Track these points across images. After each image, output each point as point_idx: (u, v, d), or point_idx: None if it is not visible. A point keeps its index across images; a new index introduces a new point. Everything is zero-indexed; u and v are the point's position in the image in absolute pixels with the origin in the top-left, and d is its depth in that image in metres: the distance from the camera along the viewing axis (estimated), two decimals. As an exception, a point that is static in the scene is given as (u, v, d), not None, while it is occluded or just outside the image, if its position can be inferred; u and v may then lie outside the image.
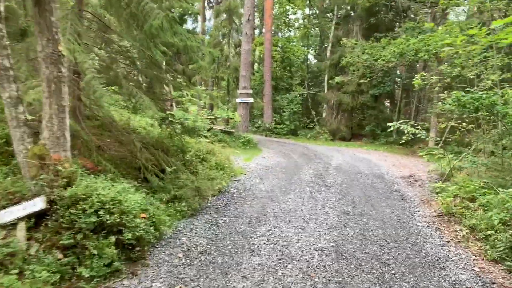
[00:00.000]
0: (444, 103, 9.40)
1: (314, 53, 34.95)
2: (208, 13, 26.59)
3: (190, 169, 7.41)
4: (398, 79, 23.76)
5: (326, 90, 27.34)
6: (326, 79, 27.33)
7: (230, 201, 7.04)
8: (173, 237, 5.14)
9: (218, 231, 5.44)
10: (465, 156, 9.64)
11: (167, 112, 7.88)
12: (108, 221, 4.19)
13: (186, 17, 23.41)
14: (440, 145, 18.79)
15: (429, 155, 17.98)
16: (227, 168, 8.87)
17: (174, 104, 16.08)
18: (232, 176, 9.09)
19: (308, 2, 27.99)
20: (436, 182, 10.18)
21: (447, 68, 12.04)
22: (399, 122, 9.45)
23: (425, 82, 11.07)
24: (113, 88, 7.57)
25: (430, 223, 6.25)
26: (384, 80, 23.01)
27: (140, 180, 6.51)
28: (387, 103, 27.03)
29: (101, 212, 4.20)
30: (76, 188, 4.30)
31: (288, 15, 27.56)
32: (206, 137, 12.58)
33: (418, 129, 9.20)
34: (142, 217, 4.76)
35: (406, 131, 9.17)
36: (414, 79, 23.51)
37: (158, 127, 9.03)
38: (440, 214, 6.77)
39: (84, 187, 4.37)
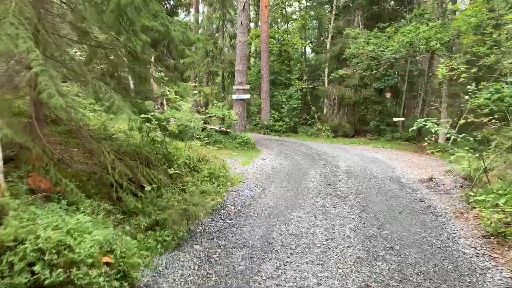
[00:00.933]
0: (473, 97, 8.10)
1: (312, 46, 33.55)
2: (202, 6, 25.15)
3: (177, 183, 6.09)
4: (403, 71, 22.42)
5: (326, 84, 26.02)
6: (326, 72, 26.00)
7: (226, 222, 5.72)
8: (150, 284, 3.83)
9: (211, 271, 4.13)
10: (500, 155, 8.34)
11: (149, 114, 6.53)
12: (48, 280, 2.87)
13: (178, 10, 21.97)
14: (451, 141, 17.66)
15: (440, 153, 16.78)
16: (222, 178, 7.55)
17: (164, 103, 14.73)
18: (228, 187, 7.78)
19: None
20: (462, 187, 8.92)
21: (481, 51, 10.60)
22: (423, 120, 8.09)
23: (451, 73, 9.73)
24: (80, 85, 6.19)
25: (478, 249, 4.97)
26: (388, 72, 21.70)
27: (113, 201, 5.20)
28: (388, 95, 25.66)
29: (37, 267, 2.88)
30: (2, 231, 2.98)
31: (285, 6, 26.12)
32: (199, 139, 11.27)
33: (445, 128, 7.85)
34: (105, 263, 3.44)
35: (433, 131, 7.83)
36: (417, 71, 22.27)
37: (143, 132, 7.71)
38: (486, 234, 5.49)
39: (16, 228, 3.04)
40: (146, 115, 6.37)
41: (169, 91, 7.56)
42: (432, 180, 9.91)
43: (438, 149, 17.00)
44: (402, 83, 23.13)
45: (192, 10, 22.13)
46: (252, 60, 30.17)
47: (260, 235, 5.13)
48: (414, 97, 25.19)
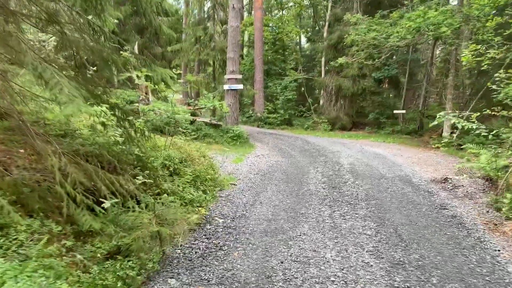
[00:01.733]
0: (502, 87, 6.96)
1: (307, 36, 32.25)
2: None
3: (153, 191, 4.89)
4: (403, 61, 21.27)
5: (323, 75, 24.83)
6: (323, 62, 24.78)
7: (212, 242, 4.55)
8: None
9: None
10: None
11: (113, 102, 5.28)
12: None
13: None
14: (456, 135, 16.63)
15: (446, 148, 15.74)
16: (209, 182, 6.36)
17: (150, 94, 13.47)
18: (217, 191, 6.60)
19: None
20: (485, 190, 7.84)
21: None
22: (448, 113, 6.95)
23: (479, 58, 8.56)
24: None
25: (535, 279, 3.86)
26: (389, 62, 20.56)
27: (64, 219, 4.01)
28: (385, 86, 24.50)
29: None
30: None
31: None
32: (185, 133, 10.08)
33: (474, 122, 6.70)
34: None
35: (460, 126, 6.68)
36: (419, 60, 21.14)
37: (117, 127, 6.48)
38: (537, 256, 4.40)
39: None
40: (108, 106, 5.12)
41: (137, 76, 6.25)
42: (447, 180, 8.82)
43: (443, 144, 16.04)
44: (401, 74, 22.03)
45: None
46: (245, 49, 28.85)
47: (255, 263, 3.96)
48: (414, 88, 24.15)
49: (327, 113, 23.17)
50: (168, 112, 12.07)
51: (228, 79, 14.22)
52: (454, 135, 16.17)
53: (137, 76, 6.00)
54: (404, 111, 20.68)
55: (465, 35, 14.51)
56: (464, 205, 6.70)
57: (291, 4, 25.77)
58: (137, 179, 4.55)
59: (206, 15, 16.67)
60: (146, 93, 13.43)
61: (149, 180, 4.73)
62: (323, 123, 21.76)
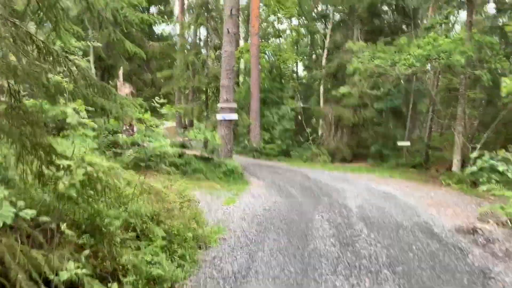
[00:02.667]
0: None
1: (305, 64, 31.55)
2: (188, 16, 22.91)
3: (106, 266, 3.51)
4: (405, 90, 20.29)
5: (322, 104, 23.83)
6: (321, 90, 23.86)
7: None
8: None
9: None
10: None
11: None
12: None
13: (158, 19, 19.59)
14: (468, 170, 15.42)
15: (459, 185, 14.47)
16: (190, 242, 4.96)
17: (134, 123, 12.22)
18: (200, 253, 5.20)
19: (298, 7, 24.59)
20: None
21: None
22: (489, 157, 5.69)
23: None
24: None
25: None
26: (391, 91, 19.56)
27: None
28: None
29: None
30: None
31: (278, 19, 24.09)
32: (170, 169, 8.76)
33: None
34: None
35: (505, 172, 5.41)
36: (423, 89, 20.16)
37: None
38: None
39: None
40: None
41: (74, 111, 4.94)
42: (476, 231, 7.48)
43: (455, 180, 14.78)
44: (403, 104, 21.01)
45: (177, 16, 19.77)
46: (241, 77, 27.97)
47: None
48: (416, 119, 23.16)
49: (326, 144, 22.00)
50: (153, 144, 10.82)
51: (222, 108, 13.04)
52: (466, 170, 14.96)
53: (75, 111, 4.66)
54: (408, 143, 19.53)
55: (474, 63, 13.59)
56: (509, 269, 5.35)
57: (288, 32, 25.06)
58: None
59: (199, 40, 15.71)
60: (130, 124, 12.19)
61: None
62: (323, 155, 20.53)
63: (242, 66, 29.79)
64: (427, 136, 19.45)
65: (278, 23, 24.29)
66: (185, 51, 14.71)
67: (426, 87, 20.60)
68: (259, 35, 21.08)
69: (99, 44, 11.65)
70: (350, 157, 21.96)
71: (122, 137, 10.97)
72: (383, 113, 20.84)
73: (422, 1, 19.17)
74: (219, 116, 13.01)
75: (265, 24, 30.12)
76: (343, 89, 14.68)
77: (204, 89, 14.46)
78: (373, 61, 14.26)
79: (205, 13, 14.67)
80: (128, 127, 11.96)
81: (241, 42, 27.15)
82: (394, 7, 20.33)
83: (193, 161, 11.77)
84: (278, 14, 23.05)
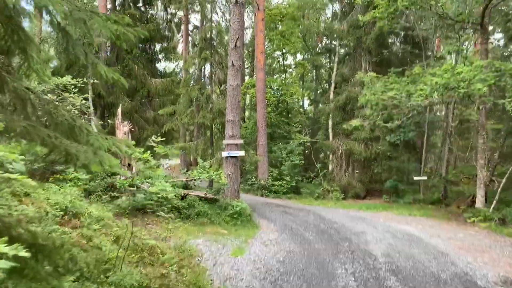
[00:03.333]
0: None
1: (311, 98, 31.07)
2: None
3: None
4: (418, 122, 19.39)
5: (331, 138, 22.99)
6: (330, 124, 23.08)
7: None
8: None
9: None
10: None
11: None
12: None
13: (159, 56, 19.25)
14: (493, 206, 14.28)
15: (487, 223, 13.32)
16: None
17: (134, 165, 11.42)
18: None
19: (303, 42, 24.41)
20: None
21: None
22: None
23: None
24: None
25: None
26: (404, 124, 18.68)
27: None
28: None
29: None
30: None
31: (283, 54, 23.79)
32: (167, 220, 7.77)
33: None
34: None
35: None
36: (437, 121, 19.33)
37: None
38: None
39: None
40: None
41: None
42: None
43: (481, 218, 13.61)
44: (418, 136, 20.06)
45: (181, 52, 19.47)
46: (247, 112, 27.43)
47: None
48: (431, 152, 22.17)
49: (337, 179, 20.94)
50: (153, 188, 9.94)
51: (227, 144, 12.20)
52: (491, 207, 13.82)
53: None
54: (425, 178, 18.44)
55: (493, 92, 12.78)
56: None
57: (293, 66, 24.69)
58: None
59: (203, 76, 15.18)
60: (129, 164, 11.35)
61: None
62: (335, 191, 19.45)
63: (248, 101, 29.39)
64: (444, 169, 18.37)
65: (283, 59, 23.91)
66: (189, 86, 14.14)
67: (440, 118, 19.80)
68: (264, 70, 20.62)
69: (96, 81, 11.05)
70: (364, 193, 20.85)
71: (119, 180, 10.10)
72: (396, 146, 19.87)
73: (432, 30, 18.71)
74: (224, 153, 12.15)
75: (269, 60, 30.03)
76: (354, 122, 13.85)
77: (208, 124, 13.75)
78: (386, 92, 13.51)
79: (209, 47, 14.18)
80: (126, 168, 11.11)
81: (246, 78, 26.83)
82: (402, 38, 19.89)
83: (197, 204, 10.79)
84: (283, 49, 22.71)
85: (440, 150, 21.33)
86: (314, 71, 35.06)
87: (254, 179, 20.43)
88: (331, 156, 22.67)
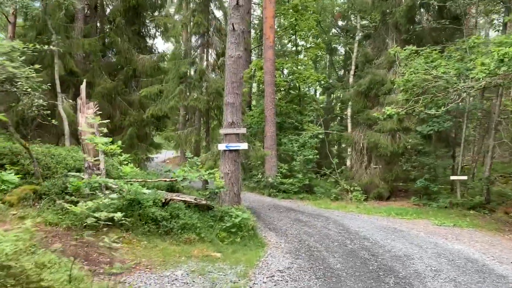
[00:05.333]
0: None
1: (324, 85, 27.94)
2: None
3: None
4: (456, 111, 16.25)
5: (349, 129, 20.05)
6: (349, 113, 20.14)
7: None
8: None
9: None
10: None
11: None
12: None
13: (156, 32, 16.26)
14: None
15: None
16: None
17: (101, 158, 8.62)
18: None
19: (319, 18, 21.31)
20: None
21: None
22: None
23: None
24: None
25: None
26: (438, 112, 15.58)
27: None
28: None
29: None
30: None
31: (295, 32, 20.70)
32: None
33: None
34: None
35: None
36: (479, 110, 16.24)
37: None
38: None
39: None
40: None
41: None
42: None
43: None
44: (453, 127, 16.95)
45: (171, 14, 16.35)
46: (253, 101, 24.50)
47: None
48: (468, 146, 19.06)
49: (357, 177, 18.02)
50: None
51: (225, 134, 9.35)
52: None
53: None
54: (465, 178, 15.45)
55: None
56: None
57: (308, 46, 21.62)
58: None
59: (197, 45, 12.21)
60: (95, 157, 8.58)
61: None
62: (355, 191, 16.54)
63: (254, 89, 26.43)
64: (488, 168, 15.33)
65: (295, 38, 20.86)
66: (178, 59, 11.27)
67: (479, 106, 16.68)
68: (274, 48, 17.65)
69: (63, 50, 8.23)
70: (387, 193, 17.92)
71: (85, 179, 7.36)
72: (428, 139, 16.83)
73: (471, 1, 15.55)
74: (221, 146, 9.30)
75: (279, 44, 26.97)
76: (389, 110, 10.84)
77: (202, 109, 10.88)
78: (429, 71, 10.52)
79: (204, 9, 11.27)
80: (91, 164, 8.33)
81: (253, 58, 23.83)
82: (437, 10, 16.73)
83: (183, 213, 8.00)
84: (296, 27, 19.67)
85: (480, 145, 18.28)
86: (328, 56, 31.99)
87: (260, 176, 17.61)
88: (349, 149, 19.73)
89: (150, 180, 8.91)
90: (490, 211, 14.52)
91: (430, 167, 16.03)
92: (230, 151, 9.34)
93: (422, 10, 17.49)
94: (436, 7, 16.88)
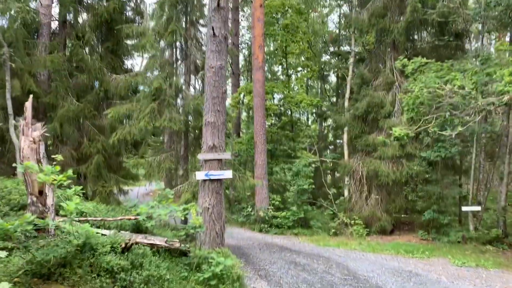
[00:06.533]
0: None
1: (315, 112, 26.59)
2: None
3: None
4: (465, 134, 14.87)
5: (346, 156, 18.52)
6: (345, 139, 18.67)
7: None
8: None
9: None
10: None
11: None
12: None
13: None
14: None
15: None
16: None
17: (50, 193, 6.84)
18: None
19: (311, 38, 20.30)
20: None
21: None
22: None
23: None
24: None
25: None
26: (443, 137, 14.17)
27: None
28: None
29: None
30: None
31: (285, 55, 19.57)
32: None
33: None
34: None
35: None
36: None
37: None
38: None
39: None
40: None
41: None
42: None
43: None
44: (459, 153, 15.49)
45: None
46: (242, 127, 23.03)
47: None
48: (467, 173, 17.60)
49: (357, 209, 16.30)
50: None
51: (205, 161, 7.69)
52: None
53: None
54: (478, 208, 13.89)
55: None
56: None
57: (299, 69, 20.43)
58: None
59: (172, 55, 10.71)
60: (40, 190, 6.84)
61: None
62: (357, 225, 14.80)
63: (244, 115, 25.06)
64: (504, 197, 13.80)
65: (286, 60, 19.69)
66: (150, 74, 9.75)
67: (491, 129, 15.37)
68: (264, 69, 16.33)
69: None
70: (390, 226, 16.16)
71: (26, 216, 5.58)
72: (434, 166, 15.32)
73: (473, 19, 14.54)
74: (200, 175, 7.61)
75: (269, 69, 25.91)
76: (398, 131, 9.32)
77: (178, 130, 9.23)
78: (441, 84, 9.13)
79: (181, 16, 9.90)
80: (36, 199, 6.55)
81: (241, 83, 22.52)
82: (437, 28, 15.69)
83: (148, 261, 6.18)
84: (286, 48, 18.53)
85: (488, 172, 16.80)
86: (319, 83, 30.98)
87: (250, 209, 15.83)
88: (346, 179, 18.11)
89: (110, 219, 7.13)
90: (510, 246, 12.92)
91: (438, 197, 14.44)
92: (211, 181, 7.65)
93: (422, 27, 16.43)
94: (436, 25, 15.85)
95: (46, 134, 7.46)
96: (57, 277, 5.56)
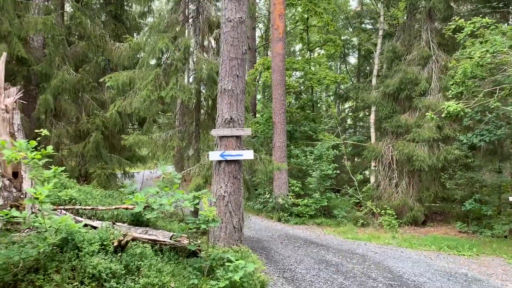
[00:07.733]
0: None
1: (337, 91, 24.77)
2: None
3: None
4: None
5: (373, 139, 16.87)
6: (372, 120, 16.99)
7: None
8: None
9: None
10: None
11: None
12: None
13: None
14: None
15: None
16: None
17: (26, 176, 5.47)
18: None
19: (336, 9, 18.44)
20: None
21: None
22: None
23: None
24: None
25: None
26: (492, 119, 12.31)
27: None
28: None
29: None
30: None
31: (307, 28, 17.81)
32: None
33: None
34: None
35: None
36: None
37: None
38: None
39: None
40: None
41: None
42: None
43: None
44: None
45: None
46: (258, 106, 21.41)
47: None
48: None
49: (386, 197, 14.70)
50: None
51: (221, 137, 6.19)
52: None
53: None
54: (530, 198, 12.15)
55: None
56: None
57: (322, 43, 18.60)
58: None
59: (182, 16, 9.16)
60: (14, 171, 5.49)
61: None
62: (387, 216, 13.22)
63: (259, 94, 23.41)
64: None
65: (308, 32, 17.90)
66: (156, 34, 8.17)
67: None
68: (284, 40, 14.64)
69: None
70: (423, 217, 14.55)
71: None
72: (474, 150, 13.59)
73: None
74: (214, 155, 6.13)
75: (289, 37, 24.08)
76: (452, 106, 7.65)
77: (186, 102, 7.68)
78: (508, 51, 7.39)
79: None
80: (8, 183, 5.20)
81: (257, 59, 20.84)
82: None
83: (147, 264, 4.79)
84: (308, 17, 16.73)
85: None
86: (339, 64, 29.13)
87: (268, 196, 14.39)
88: (373, 164, 16.49)
89: (102, 208, 5.73)
90: None
91: (482, 185, 12.75)
92: (228, 162, 6.16)
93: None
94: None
95: (23, 102, 6.03)
96: (26, 286, 4.31)
